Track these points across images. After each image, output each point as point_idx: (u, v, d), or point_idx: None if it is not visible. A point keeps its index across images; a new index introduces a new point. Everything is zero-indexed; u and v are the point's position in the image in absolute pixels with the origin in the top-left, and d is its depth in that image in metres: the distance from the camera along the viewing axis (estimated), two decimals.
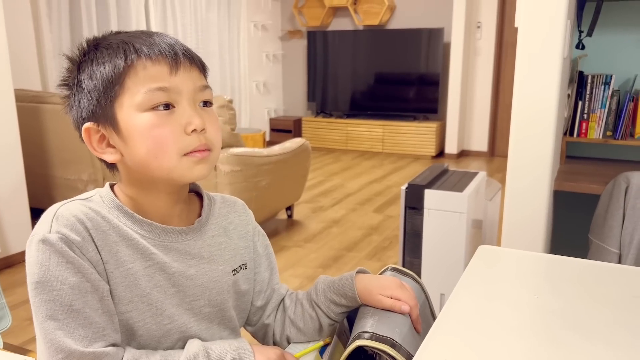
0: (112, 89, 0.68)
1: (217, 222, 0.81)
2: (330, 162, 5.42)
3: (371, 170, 5.04)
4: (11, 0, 3.27)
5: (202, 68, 0.73)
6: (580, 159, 2.15)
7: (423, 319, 0.79)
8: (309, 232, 3.28)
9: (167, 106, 0.68)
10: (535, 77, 1.52)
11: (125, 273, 0.69)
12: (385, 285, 0.78)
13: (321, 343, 0.83)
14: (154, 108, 0.67)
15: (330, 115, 6.12)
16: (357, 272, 0.83)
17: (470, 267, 0.70)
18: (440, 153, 5.68)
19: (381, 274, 0.87)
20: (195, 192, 0.83)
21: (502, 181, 4.17)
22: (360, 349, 0.68)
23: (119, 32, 0.74)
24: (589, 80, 1.97)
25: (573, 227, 2.06)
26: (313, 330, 0.85)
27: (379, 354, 0.68)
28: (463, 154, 5.75)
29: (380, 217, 3.57)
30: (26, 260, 0.67)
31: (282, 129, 6.23)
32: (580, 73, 1.99)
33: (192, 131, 0.68)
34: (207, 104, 0.72)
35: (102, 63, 0.69)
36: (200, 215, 0.79)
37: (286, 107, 6.63)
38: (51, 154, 3.17)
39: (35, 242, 0.66)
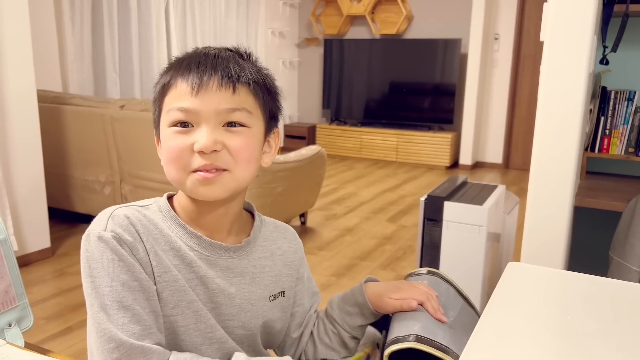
0: (159, 102, 0.74)
1: (265, 245, 0.82)
2: (343, 169, 5.42)
3: (385, 179, 5.03)
4: (35, 3, 3.33)
5: (245, 88, 0.72)
6: (601, 175, 2.13)
7: (449, 304, 0.81)
8: (323, 240, 3.27)
9: (185, 124, 0.70)
10: (560, 92, 1.51)
11: (173, 279, 0.72)
12: (394, 289, 0.82)
13: (361, 354, 0.84)
14: (174, 125, 0.71)
15: (345, 123, 6.13)
16: (366, 281, 0.87)
17: (501, 285, 0.69)
18: (455, 164, 5.66)
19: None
20: (250, 212, 0.85)
21: (517, 194, 4.14)
22: (396, 355, 0.71)
23: (207, 47, 0.77)
24: (612, 96, 1.95)
25: (592, 243, 2.04)
26: (338, 344, 0.86)
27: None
28: (477, 166, 5.72)
29: (394, 227, 3.56)
30: (81, 255, 0.70)
31: (297, 135, 6.24)
32: (604, 88, 1.97)
33: (199, 150, 0.69)
34: (234, 124, 0.71)
35: (162, 76, 0.75)
36: (249, 235, 0.80)
37: (301, 114, 6.65)
38: (70, 155, 3.21)
39: (91, 238, 0.70)
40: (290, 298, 0.85)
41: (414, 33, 5.81)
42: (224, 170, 0.70)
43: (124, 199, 3.08)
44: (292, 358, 0.87)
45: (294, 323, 0.87)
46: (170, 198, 0.79)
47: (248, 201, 0.84)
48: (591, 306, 0.66)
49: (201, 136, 0.69)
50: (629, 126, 1.94)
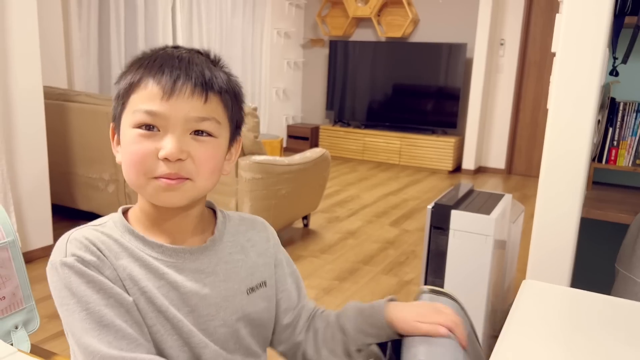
0: (123, 99, 0.72)
1: (234, 240, 0.81)
2: (346, 171, 5.41)
3: (387, 182, 5.02)
4: None
5: (216, 97, 0.71)
6: (607, 186, 2.13)
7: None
8: (325, 243, 3.27)
9: (151, 127, 0.69)
10: (571, 104, 1.50)
11: (143, 289, 0.71)
12: (422, 313, 0.78)
13: None
14: (139, 127, 0.69)
15: (348, 125, 6.12)
16: (389, 300, 0.83)
17: (518, 305, 0.69)
18: (457, 168, 5.65)
19: (418, 296, 0.87)
20: (212, 209, 0.84)
21: (520, 200, 4.10)
22: None
23: (177, 47, 0.75)
24: (621, 107, 1.95)
25: (597, 255, 2.03)
26: (342, 353, 0.84)
27: None
28: (480, 171, 5.72)
29: (397, 231, 3.55)
30: (50, 286, 0.70)
31: (300, 136, 6.24)
32: (612, 99, 1.97)
33: (164, 158, 0.68)
34: (202, 133, 0.70)
35: (130, 72, 0.72)
36: (213, 233, 0.79)
37: (304, 115, 6.64)
38: (74, 152, 3.20)
39: (54, 268, 0.69)
40: (273, 286, 0.84)
41: (419, 37, 5.81)
42: (187, 179, 0.70)
43: (127, 198, 3.08)
44: (286, 344, 0.87)
45: (281, 310, 0.85)
46: (125, 212, 0.78)
47: (209, 200, 0.83)
48: (612, 329, 0.65)
49: (167, 143, 0.67)
50: (637, 138, 1.94)
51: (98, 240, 0.71)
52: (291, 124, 6.37)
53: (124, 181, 3.07)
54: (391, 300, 0.83)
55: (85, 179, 3.21)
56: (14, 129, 2.61)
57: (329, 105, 6.25)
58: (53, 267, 0.69)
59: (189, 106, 0.68)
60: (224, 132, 0.73)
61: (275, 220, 2.90)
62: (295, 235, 3.37)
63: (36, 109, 2.71)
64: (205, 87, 0.69)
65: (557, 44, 1.51)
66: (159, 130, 0.69)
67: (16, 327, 1.14)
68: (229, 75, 0.75)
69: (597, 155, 2.02)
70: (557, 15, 1.55)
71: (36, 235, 2.78)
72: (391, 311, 0.79)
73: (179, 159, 0.68)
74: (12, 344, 1.12)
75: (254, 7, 5.51)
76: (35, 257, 2.75)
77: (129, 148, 0.70)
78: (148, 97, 0.68)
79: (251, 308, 0.80)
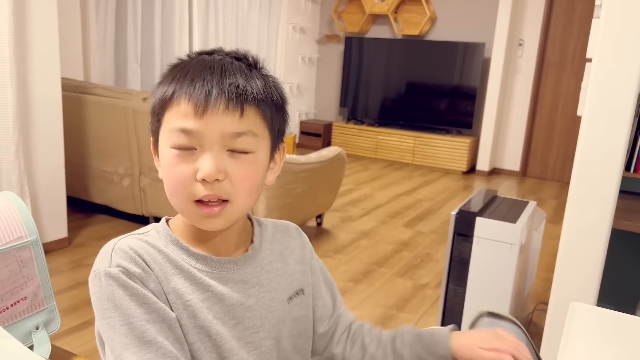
0: (158, 115, 0.69)
1: (272, 248, 0.79)
2: (359, 169, 5.37)
3: (400, 181, 4.98)
4: None
5: (253, 109, 0.67)
6: (635, 195, 2.07)
7: None
8: (339, 243, 3.24)
9: (188, 147, 0.66)
10: (606, 111, 1.46)
11: (185, 304, 0.69)
12: (484, 338, 0.75)
13: None
14: (176, 147, 0.66)
15: (362, 122, 6.08)
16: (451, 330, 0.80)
17: (570, 330, 0.65)
18: (472, 169, 5.59)
19: (476, 319, 0.84)
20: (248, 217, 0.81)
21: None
22: None
23: (211, 53, 0.71)
24: None
25: (624, 267, 1.99)
26: None
27: None
28: (494, 172, 5.65)
29: (411, 233, 3.51)
30: (92, 297, 0.68)
31: (312, 132, 6.20)
32: None
33: (201, 179, 0.65)
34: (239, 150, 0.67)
35: (163, 85, 0.68)
36: (252, 241, 0.77)
37: (317, 111, 6.60)
38: (90, 145, 3.19)
39: (97, 277, 0.66)
40: (310, 294, 0.82)
41: (437, 35, 5.74)
42: (225, 200, 0.67)
43: (142, 192, 3.06)
44: (323, 356, 0.84)
45: (316, 317, 0.83)
46: (167, 220, 0.76)
47: None
48: None
49: (204, 164, 0.64)
50: None
51: (143, 250, 0.69)
52: (304, 120, 6.34)
53: (139, 175, 3.06)
54: (452, 329, 0.81)
55: (100, 172, 3.20)
56: (32, 121, 2.60)
57: (343, 102, 6.21)
58: (96, 276, 0.66)
59: (224, 122, 0.65)
60: (263, 144, 0.70)
61: (290, 219, 2.86)
62: (309, 235, 3.31)
63: (54, 101, 2.69)
64: (240, 99, 0.65)
65: (594, 50, 1.46)
66: (196, 149, 0.66)
67: (37, 328, 1.12)
68: (266, 80, 0.70)
69: (626, 164, 1.97)
70: (594, 20, 1.50)
71: (51, 228, 2.77)
72: (452, 341, 0.78)
73: (217, 180, 0.65)
74: (32, 345, 1.10)
75: (270, 2, 5.47)
76: (50, 250, 2.74)
77: (168, 171, 0.67)
78: (181, 115, 0.65)
79: (289, 317, 0.78)
